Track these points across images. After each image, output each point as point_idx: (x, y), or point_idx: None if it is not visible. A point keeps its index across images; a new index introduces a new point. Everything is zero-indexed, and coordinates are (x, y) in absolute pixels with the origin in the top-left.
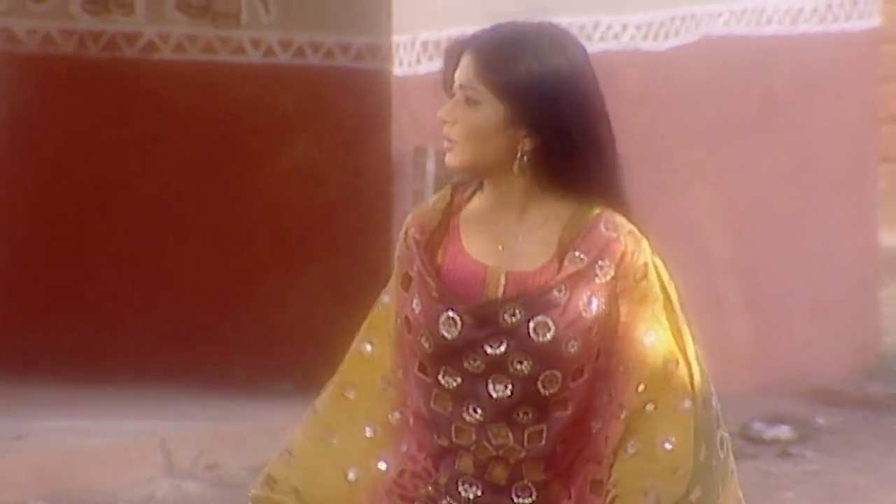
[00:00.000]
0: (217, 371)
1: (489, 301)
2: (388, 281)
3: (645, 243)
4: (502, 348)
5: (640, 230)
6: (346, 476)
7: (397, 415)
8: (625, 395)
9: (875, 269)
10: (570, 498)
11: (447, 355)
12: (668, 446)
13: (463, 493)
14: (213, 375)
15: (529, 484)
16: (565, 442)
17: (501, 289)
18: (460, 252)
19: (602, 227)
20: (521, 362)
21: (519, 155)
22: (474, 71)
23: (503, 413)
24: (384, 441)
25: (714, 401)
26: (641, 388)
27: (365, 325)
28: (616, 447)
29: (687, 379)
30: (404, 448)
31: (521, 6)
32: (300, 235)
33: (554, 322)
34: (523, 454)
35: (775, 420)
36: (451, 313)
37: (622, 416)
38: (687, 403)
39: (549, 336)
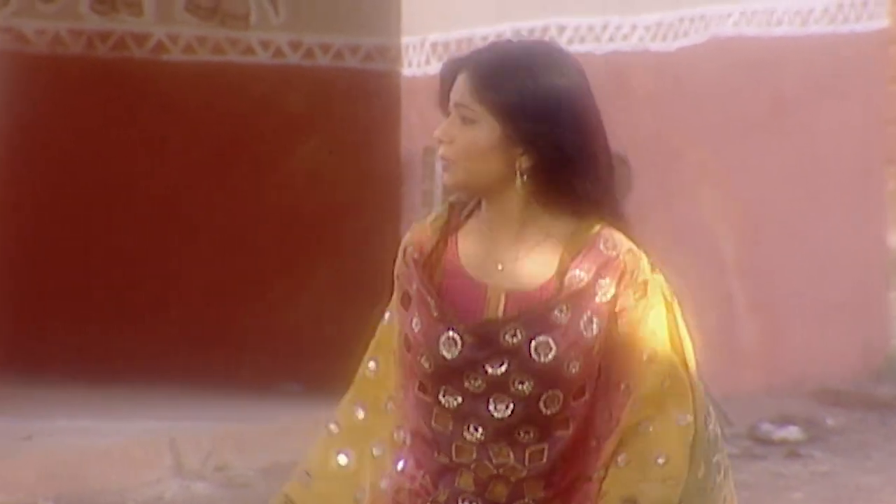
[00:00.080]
0: (226, 372)
1: (489, 320)
2: (392, 290)
3: (644, 260)
4: (503, 368)
5: (639, 247)
6: (354, 499)
7: (400, 433)
8: (622, 412)
9: (883, 271)
10: None
11: (447, 375)
12: (660, 461)
13: None
14: (223, 376)
15: (530, 502)
16: (566, 460)
17: (502, 308)
18: (459, 271)
19: (601, 246)
20: (522, 382)
21: (518, 174)
22: (470, 90)
23: (504, 432)
24: (389, 460)
25: (713, 423)
26: (639, 404)
27: (372, 342)
28: (608, 461)
29: (687, 395)
30: (399, 465)
31: (529, 7)
32: (309, 236)
33: (555, 342)
34: (524, 473)
35: (784, 421)
36: (451, 333)
37: (616, 430)
38: (686, 418)
39: (550, 356)
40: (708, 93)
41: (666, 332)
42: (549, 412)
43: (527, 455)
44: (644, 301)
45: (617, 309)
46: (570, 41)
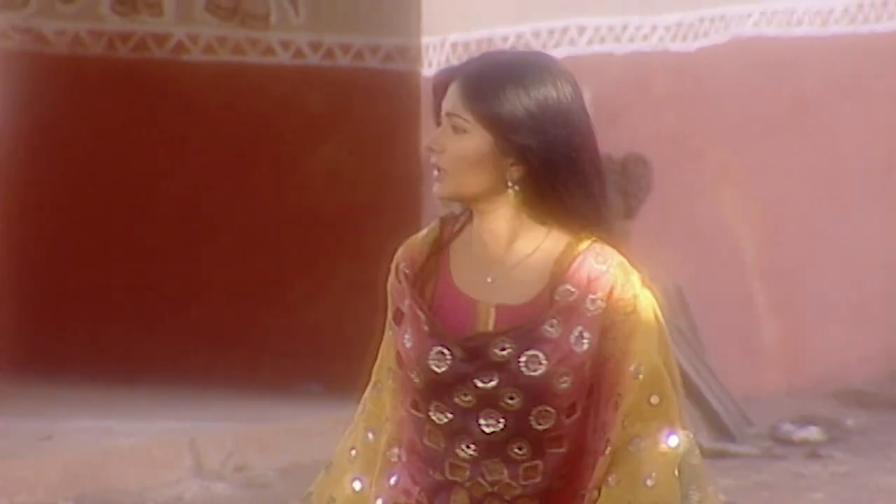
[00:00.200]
0: (246, 372)
1: (479, 334)
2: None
3: (635, 276)
4: (493, 382)
5: (629, 262)
6: None
7: (395, 450)
8: (613, 430)
9: None
10: None
11: (438, 390)
12: (649, 482)
13: None
14: (243, 377)
15: None
16: (564, 478)
17: (492, 322)
18: (450, 285)
19: (592, 260)
20: (512, 397)
21: (510, 184)
22: (461, 100)
23: (497, 449)
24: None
25: (697, 451)
26: (627, 422)
27: (378, 361)
28: (600, 481)
29: (675, 413)
30: (392, 480)
31: (549, 7)
32: (329, 237)
33: (546, 357)
34: (519, 490)
35: (805, 421)
36: (441, 347)
37: (607, 451)
38: (673, 440)
39: (540, 371)
40: (728, 93)
41: (655, 348)
42: (540, 428)
43: (521, 472)
44: (634, 316)
45: (607, 324)
46: (590, 41)
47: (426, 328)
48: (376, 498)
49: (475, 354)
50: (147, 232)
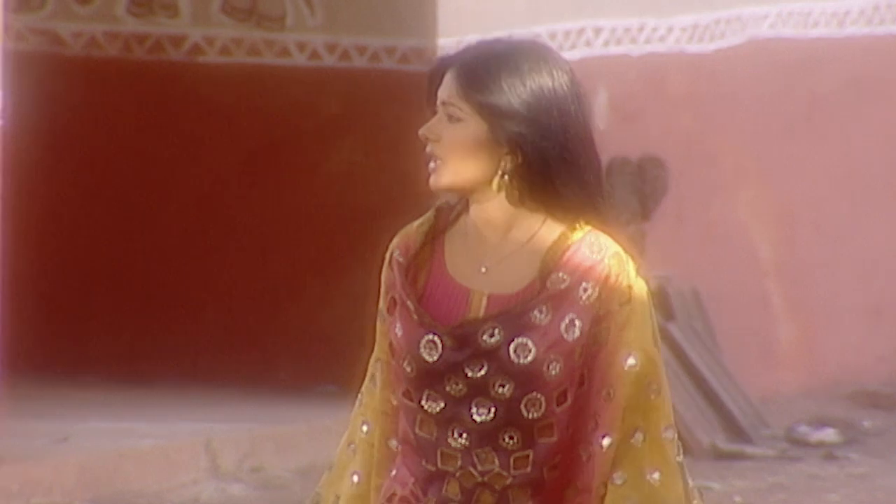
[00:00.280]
0: (262, 373)
1: (467, 321)
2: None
3: (631, 265)
4: (483, 371)
5: (625, 252)
6: None
7: (394, 442)
8: (610, 422)
9: None
10: None
11: (429, 379)
12: (655, 476)
13: None
14: (258, 378)
15: None
16: (555, 469)
17: (483, 311)
18: (444, 274)
19: (586, 249)
20: (502, 385)
21: (500, 173)
22: (457, 88)
23: (488, 437)
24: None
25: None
26: (628, 414)
27: (373, 354)
28: (606, 478)
29: (667, 406)
30: (393, 472)
31: (565, 9)
32: (345, 238)
33: (535, 343)
34: (510, 480)
35: (821, 423)
36: (431, 336)
37: (609, 445)
38: (669, 433)
39: (529, 358)
40: (744, 94)
41: (650, 338)
42: (531, 416)
43: (511, 462)
44: (628, 306)
45: (600, 313)
46: (607, 43)
47: (415, 317)
48: (376, 490)
49: (464, 342)
50: (163, 233)
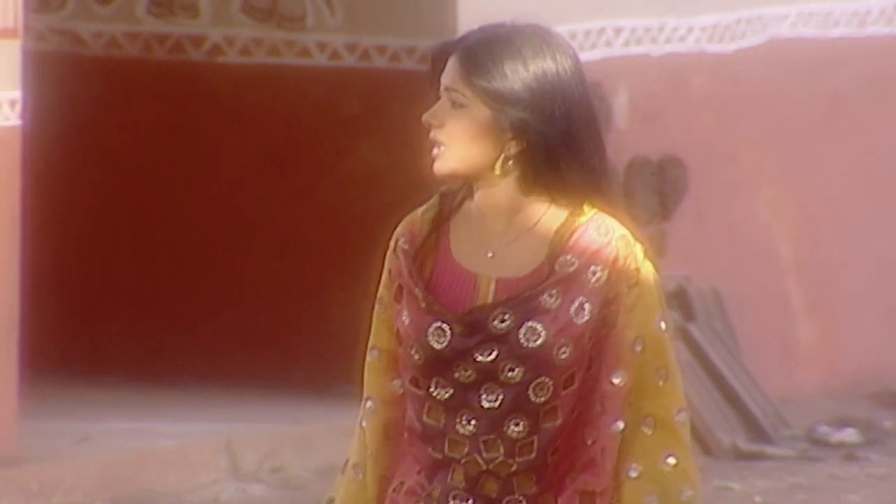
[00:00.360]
0: (282, 373)
1: (477, 307)
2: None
3: (638, 247)
4: (492, 356)
5: (633, 235)
6: None
7: (392, 430)
8: (618, 406)
9: None
10: None
11: (438, 366)
12: (671, 461)
13: None
14: (278, 378)
15: (521, 497)
16: (557, 453)
17: (491, 296)
18: (450, 260)
19: (594, 232)
20: (512, 369)
21: (503, 157)
22: (460, 74)
23: (495, 424)
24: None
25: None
26: (634, 397)
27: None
28: (617, 469)
29: (678, 390)
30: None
31: (586, 9)
32: (364, 238)
33: (544, 327)
34: (514, 467)
35: (841, 423)
36: (439, 323)
37: (619, 430)
38: (681, 416)
39: (539, 341)
40: (765, 94)
41: (658, 322)
42: (538, 400)
43: (516, 448)
44: (637, 289)
45: (609, 296)
46: (627, 43)
47: (423, 305)
48: (376, 479)
49: (475, 328)
50: (183, 233)
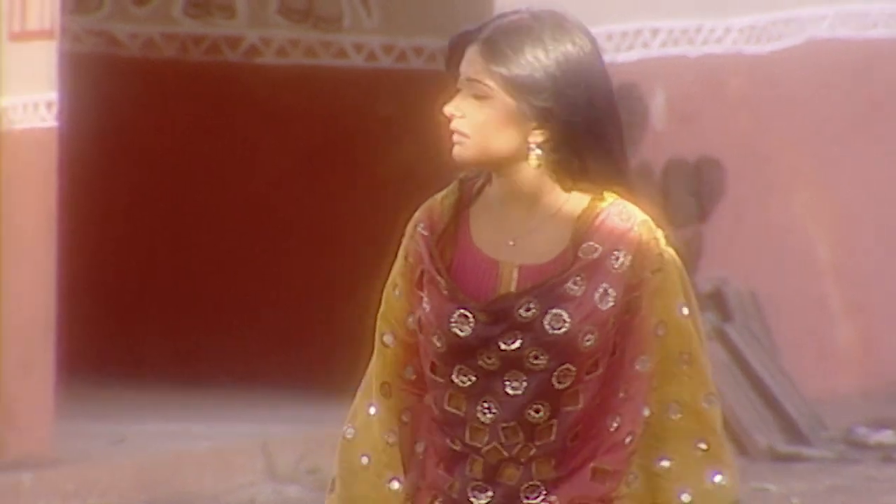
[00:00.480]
0: (318, 375)
1: (503, 296)
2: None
3: (660, 233)
4: (517, 344)
5: (654, 221)
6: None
7: (406, 417)
8: (642, 392)
9: None
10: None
11: (461, 354)
12: (702, 446)
13: (474, 501)
14: (315, 379)
15: (539, 483)
16: (577, 438)
17: (514, 283)
18: (471, 247)
19: (615, 218)
20: (537, 357)
21: (533, 148)
22: (483, 64)
23: (516, 410)
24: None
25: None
26: (658, 382)
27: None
28: (646, 457)
29: (707, 374)
30: (419, 449)
31: (623, 10)
32: (401, 239)
33: (570, 315)
34: (533, 451)
35: (879, 424)
36: (462, 311)
37: (645, 416)
38: (708, 402)
39: (564, 329)
40: (802, 95)
41: (681, 307)
42: (561, 387)
43: (536, 432)
44: (661, 274)
45: (633, 281)
46: (664, 44)
47: (445, 292)
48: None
49: (500, 317)
50: (220, 234)
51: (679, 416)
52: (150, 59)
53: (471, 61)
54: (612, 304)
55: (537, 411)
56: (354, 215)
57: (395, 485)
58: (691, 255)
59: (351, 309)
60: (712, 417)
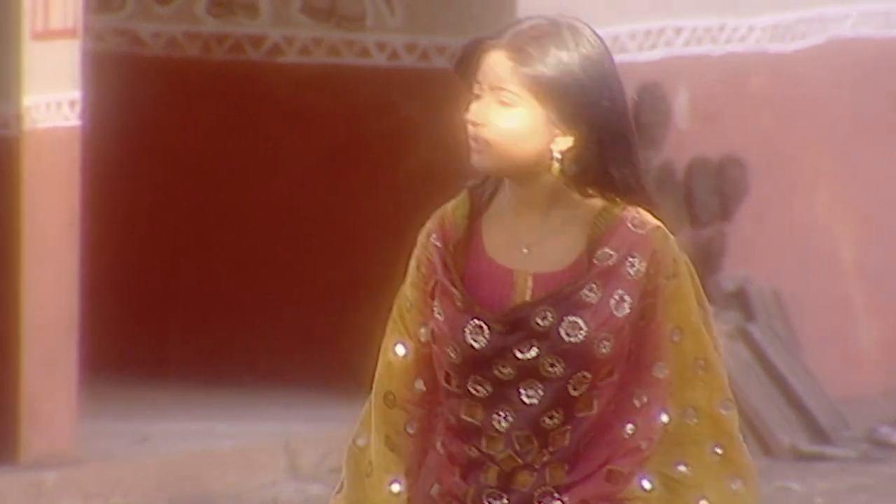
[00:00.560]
0: (341, 373)
1: (519, 306)
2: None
3: (672, 240)
4: (533, 352)
5: (667, 227)
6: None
7: (413, 428)
8: (661, 398)
9: None
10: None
11: (476, 364)
12: (718, 451)
13: None
14: (337, 378)
15: (552, 489)
16: (591, 445)
17: (529, 292)
18: (484, 257)
19: (629, 224)
20: (553, 365)
21: (557, 156)
22: (509, 71)
23: (532, 418)
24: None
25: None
26: (675, 388)
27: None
28: (663, 462)
29: (723, 380)
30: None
31: (646, 8)
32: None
33: (585, 322)
34: (547, 457)
35: None
36: (477, 321)
37: (664, 422)
38: (725, 408)
39: (580, 336)
40: (826, 94)
41: (695, 313)
42: (576, 394)
43: (549, 437)
44: (675, 280)
45: (648, 287)
46: (687, 43)
47: (459, 303)
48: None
49: (516, 326)
50: (242, 233)
51: (695, 421)
52: (173, 58)
53: (494, 67)
54: (627, 310)
55: (551, 418)
56: (377, 214)
57: (396, 487)
58: (714, 255)
59: (374, 307)
60: (729, 422)
